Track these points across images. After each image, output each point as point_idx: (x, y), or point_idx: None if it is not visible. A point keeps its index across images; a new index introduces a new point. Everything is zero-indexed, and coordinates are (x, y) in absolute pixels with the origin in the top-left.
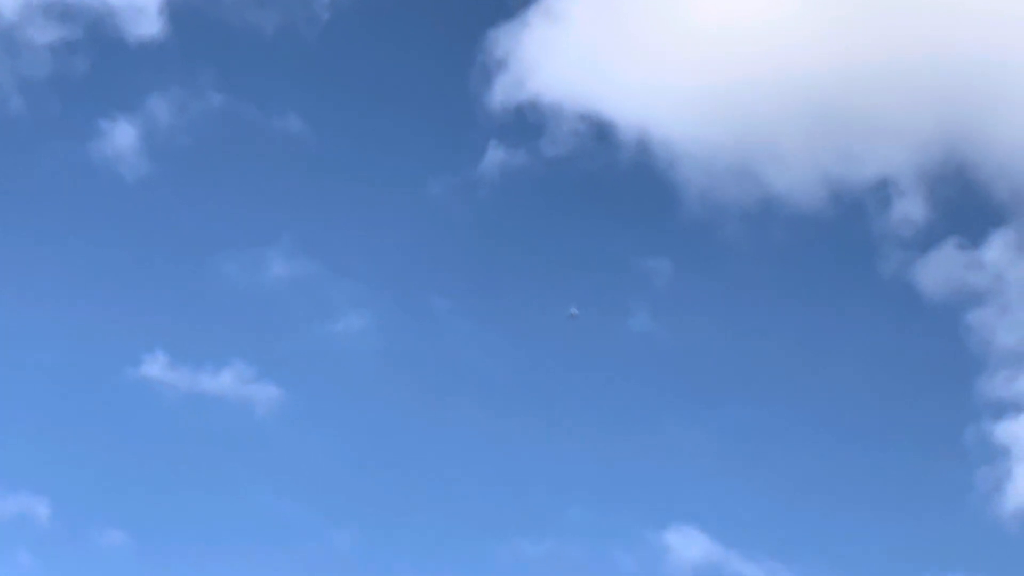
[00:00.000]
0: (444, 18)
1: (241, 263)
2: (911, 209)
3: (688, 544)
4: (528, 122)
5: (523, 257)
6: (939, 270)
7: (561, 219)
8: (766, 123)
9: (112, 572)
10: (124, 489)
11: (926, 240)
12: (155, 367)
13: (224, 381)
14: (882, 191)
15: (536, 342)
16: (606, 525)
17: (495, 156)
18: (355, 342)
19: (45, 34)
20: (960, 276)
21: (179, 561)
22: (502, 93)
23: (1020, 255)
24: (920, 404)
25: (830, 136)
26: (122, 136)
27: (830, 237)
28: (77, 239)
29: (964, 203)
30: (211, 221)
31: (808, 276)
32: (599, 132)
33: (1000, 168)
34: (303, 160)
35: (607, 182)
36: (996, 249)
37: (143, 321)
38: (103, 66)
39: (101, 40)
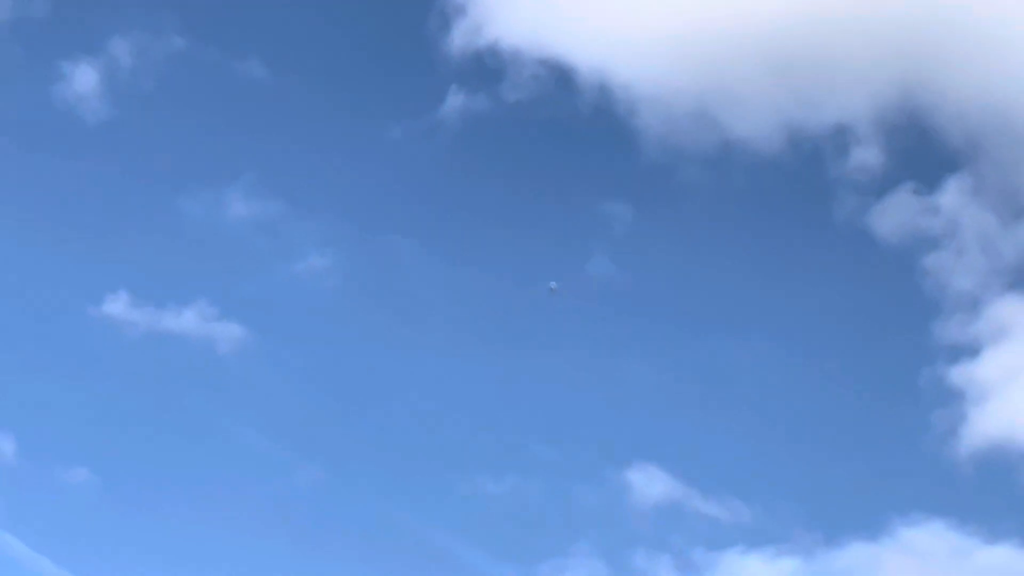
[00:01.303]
0: None
1: (203, 203)
2: (867, 155)
3: (649, 482)
4: (488, 67)
5: (484, 200)
6: (895, 215)
7: (522, 163)
8: (725, 69)
9: (78, 508)
10: (89, 427)
11: (882, 185)
12: (117, 306)
13: (187, 320)
14: (839, 137)
15: (497, 283)
16: (568, 463)
17: (455, 101)
18: (317, 281)
19: None
20: (915, 221)
21: (143, 497)
22: (461, 38)
23: (974, 200)
24: (876, 347)
25: (788, 83)
26: (84, 79)
27: (788, 182)
28: (39, 181)
29: (919, 149)
30: (173, 162)
31: (766, 220)
32: (559, 77)
33: (954, 115)
34: (264, 104)
35: (568, 127)
36: (951, 194)
37: (105, 261)
38: (64, 9)
39: None
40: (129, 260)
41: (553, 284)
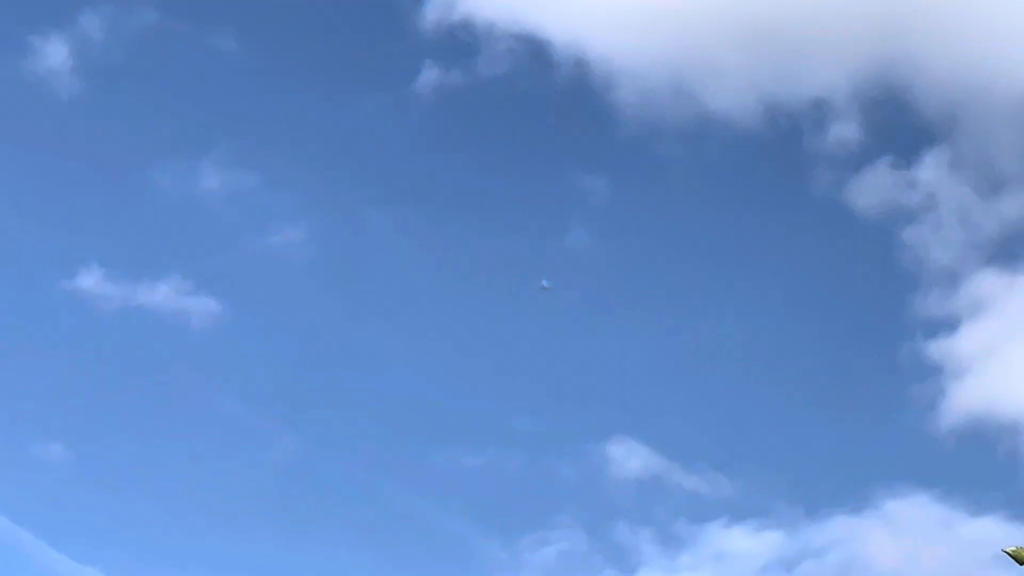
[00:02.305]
0: None
1: (176, 176)
2: (845, 129)
3: (629, 455)
4: (461, 42)
5: (459, 174)
6: (873, 189)
7: (497, 138)
8: (703, 42)
9: (52, 484)
10: (62, 402)
11: (860, 159)
12: (89, 280)
13: (161, 294)
14: (817, 111)
15: (472, 256)
16: (546, 437)
17: (429, 76)
18: (292, 254)
19: None
20: (893, 195)
21: (119, 472)
22: (434, 13)
23: (952, 174)
24: (854, 321)
25: (766, 56)
26: (54, 53)
27: (765, 156)
28: (9, 155)
29: (897, 123)
30: (145, 135)
31: (743, 194)
32: (534, 51)
33: (932, 88)
34: (237, 78)
35: (543, 101)
36: (928, 168)
37: (77, 235)
38: None
39: None
40: (101, 234)
41: (545, 283)
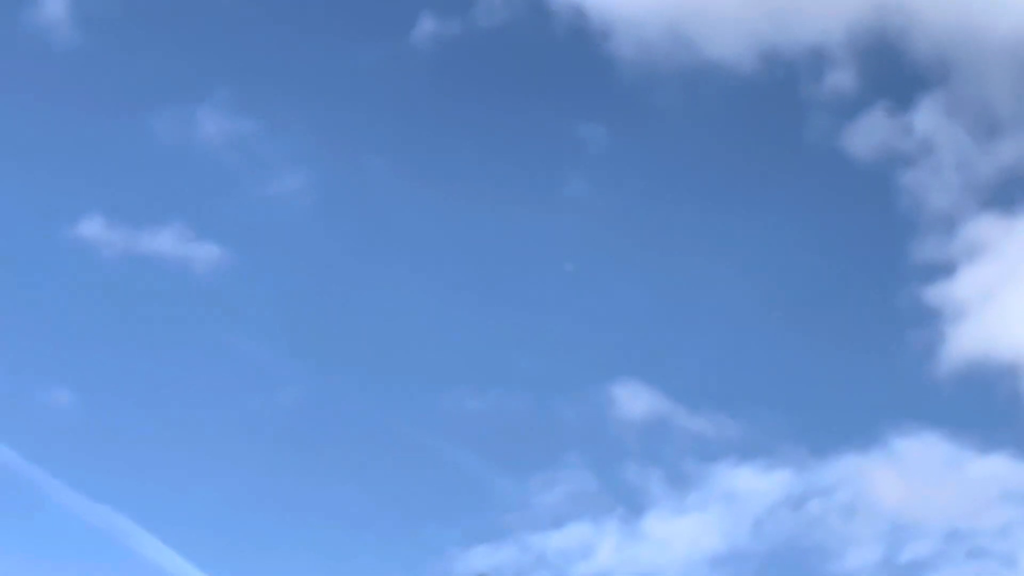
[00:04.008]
0: None
1: (175, 123)
2: (841, 75)
3: (633, 397)
4: None
5: (458, 123)
6: (869, 134)
7: (495, 86)
8: None
9: (60, 428)
10: (67, 349)
11: (856, 105)
12: (91, 228)
13: (163, 241)
14: (814, 58)
15: (473, 203)
16: (550, 378)
17: (426, 26)
18: (294, 200)
19: None
20: (890, 140)
21: (125, 416)
22: None
23: (949, 118)
24: (852, 266)
25: (763, 3)
26: (51, 5)
27: (762, 103)
28: (8, 105)
29: (893, 68)
30: (143, 83)
31: (741, 141)
32: (532, 0)
33: (928, 33)
34: (235, 24)
35: (541, 50)
36: (925, 113)
37: (77, 183)
38: None
39: None
40: (102, 182)
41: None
